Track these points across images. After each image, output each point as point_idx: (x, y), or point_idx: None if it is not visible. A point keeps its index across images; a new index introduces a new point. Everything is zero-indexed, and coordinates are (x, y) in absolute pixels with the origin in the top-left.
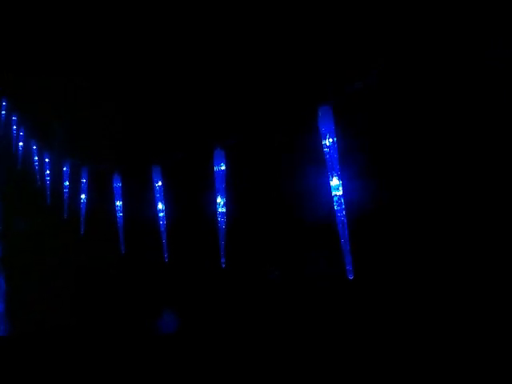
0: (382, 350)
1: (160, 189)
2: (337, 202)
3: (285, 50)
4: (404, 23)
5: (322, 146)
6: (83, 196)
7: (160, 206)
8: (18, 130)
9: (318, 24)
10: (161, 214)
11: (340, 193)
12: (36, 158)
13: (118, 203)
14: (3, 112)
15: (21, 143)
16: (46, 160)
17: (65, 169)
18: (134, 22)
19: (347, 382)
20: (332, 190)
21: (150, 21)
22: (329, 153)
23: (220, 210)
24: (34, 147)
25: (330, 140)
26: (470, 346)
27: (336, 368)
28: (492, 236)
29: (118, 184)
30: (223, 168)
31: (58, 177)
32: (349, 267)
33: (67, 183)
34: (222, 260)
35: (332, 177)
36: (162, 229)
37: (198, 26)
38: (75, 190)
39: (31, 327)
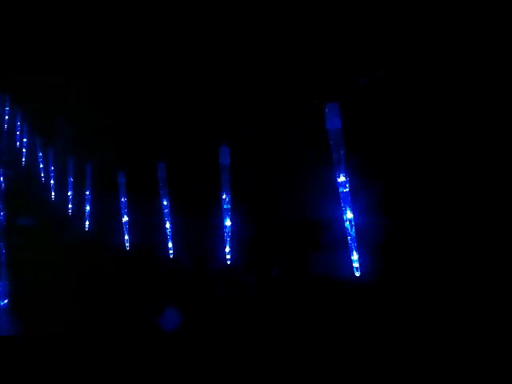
0: (388, 349)
1: (165, 185)
2: (343, 199)
3: (291, 45)
4: (409, 20)
5: (328, 142)
6: (87, 192)
7: (165, 202)
8: (22, 126)
9: (324, 20)
10: (166, 211)
11: (347, 190)
12: (40, 154)
13: (123, 199)
14: (7, 108)
15: (25, 139)
16: (51, 156)
17: (69, 165)
18: (136, 18)
19: (350, 381)
20: (339, 186)
21: (152, 16)
22: (335, 150)
23: (225, 206)
24: (38, 143)
25: (337, 137)
26: (473, 345)
27: (341, 367)
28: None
29: (122, 180)
30: (228, 165)
31: (62, 173)
32: (355, 264)
33: (71, 179)
34: (228, 257)
35: (339, 173)
36: (167, 225)
37: (201, 23)
38: (80, 186)
39: (34, 325)
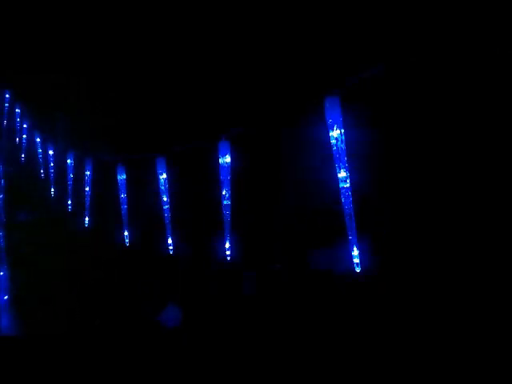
0: (387, 346)
1: (164, 181)
2: (344, 194)
3: (291, 39)
4: (411, 15)
5: (329, 138)
6: (87, 188)
7: (165, 198)
8: (21, 122)
9: (325, 13)
10: (165, 207)
11: (347, 185)
12: (40, 151)
13: (122, 195)
14: (6, 105)
15: (24, 135)
16: (50, 152)
17: (69, 161)
18: (135, 15)
19: (351, 378)
20: (339, 182)
21: (151, 14)
22: (336, 144)
23: (225, 202)
24: (38, 139)
25: (338, 131)
26: (472, 344)
27: (340, 363)
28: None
29: (122, 176)
30: (228, 160)
31: (62, 169)
32: (356, 260)
33: (71, 175)
34: (227, 253)
35: (339, 169)
36: (167, 221)
37: (200, 21)
38: (79, 181)
39: (34, 324)
